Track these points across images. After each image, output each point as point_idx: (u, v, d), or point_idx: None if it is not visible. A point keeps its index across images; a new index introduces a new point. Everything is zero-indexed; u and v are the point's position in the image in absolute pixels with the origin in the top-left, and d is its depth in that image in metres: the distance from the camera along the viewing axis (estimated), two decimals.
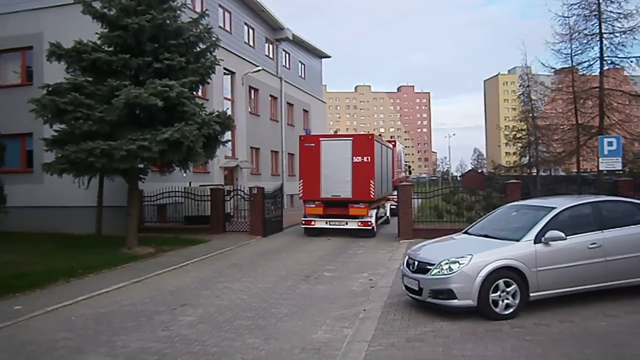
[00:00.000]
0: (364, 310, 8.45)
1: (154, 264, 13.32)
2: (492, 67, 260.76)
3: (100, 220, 17.57)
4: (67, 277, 11.33)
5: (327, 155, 18.58)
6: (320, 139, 19.14)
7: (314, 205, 18.78)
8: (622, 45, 25.27)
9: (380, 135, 23.46)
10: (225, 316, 8.34)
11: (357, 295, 9.67)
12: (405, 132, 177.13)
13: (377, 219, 19.84)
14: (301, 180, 19.10)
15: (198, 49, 15.80)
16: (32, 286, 10.38)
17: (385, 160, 22.03)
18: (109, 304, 9.26)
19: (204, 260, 14.15)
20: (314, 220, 18.95)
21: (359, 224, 18.46)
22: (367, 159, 18.28)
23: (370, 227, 18.53)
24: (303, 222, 19.24)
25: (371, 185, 18.13)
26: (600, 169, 17.10)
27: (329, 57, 45.31)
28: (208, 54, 15.92)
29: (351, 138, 18.87)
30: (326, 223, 18.84)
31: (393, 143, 26.16)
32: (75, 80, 14.33)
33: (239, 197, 20.62)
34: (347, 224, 18.66)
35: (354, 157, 18.32)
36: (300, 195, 19.18)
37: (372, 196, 18.24)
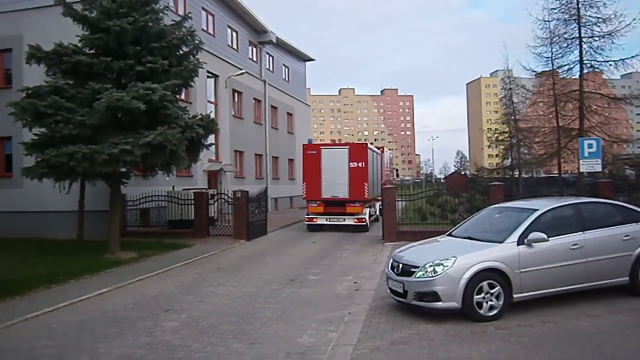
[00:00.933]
0: (349, 313, 8.44)
1: (136, 269, 13.19)
2: (475, 70, 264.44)
3: (82, 225, 17.36)
4: (48, 283, 11.15)
5: (327, 161, 21.31)
6: (321, 147, 22.16)
7: (316, 205, 21.45)
8: (601, 49, 25.56)
9: (371, 143, 25.90)
10: (210, 321, 8.28)
11: (342, 299, 9.66)
12: (389, 134, 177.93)
13: (369, 216, 22.08)
14: (304, 183, 21.66)
15: (181, 52, 15.72)
16: (12, 293, 10.20)
17: (376, 165, 24.63)
18: (91, 310, 9.14)
19: (188, 264, 14.06)
20: (316, 218, 21.54)
21: (355, 220, 21.02)
22: (362, 164, 21.05)
23: (365, 223, 21.08)
24: (306, 219, 21.83)
25: (365, 187, 20.80)
26: (581, 170, 17.30)
27: (313, 60, 45.37)
28: (191, 56, 15.84)
29: (348, 146, 22.00)
30: (326, 220, 21.46)
31: (382, 149, 28.46)
32: (56, 83, 14.12)
33: (223, 200, 20.55)
34: (344, 220, 21.17)
35: (351, 163, 21.12)
36: (304, 196, 21.72)
37: (366, 196, 20.92)
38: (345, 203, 21.05)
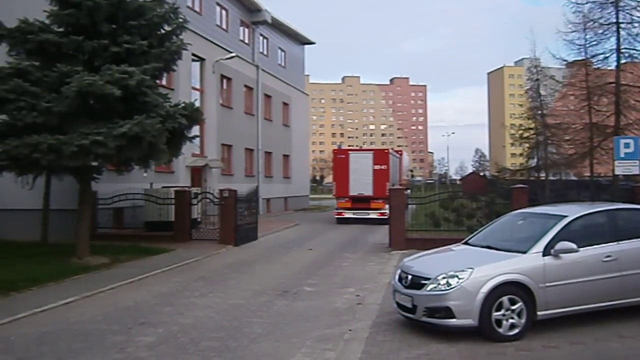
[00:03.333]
0: (350, 330, 8.43)
1: (108, 276, 13.16)
2: (497, 58, 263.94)
3: (47, 225, 17.35)
4: (6, 291, 11.11)
5: (354, 164, 27.79)
6: (349, 151, 29.71)
7: (344, 201, 28.04)
8: None
9: (392, 149, 33.85)
10: (190, 336, 8.26)
11: (341, 313, 9.65)
12: (398, 129, 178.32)
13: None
14: (334, 182, 28.85)
15: (162, 32, 15.68)
16: None
17: (396, 167, 31.69)
18: (54, 322, 9.12)
19: (167, 272, 14.05)
20: (344, 212, 27.95)
21: (378, 214, 26.53)
22: (384, 167, 27.57)
23: (386, 217, 22.54)
24: (336, 213, 28.46)
25: (387, 186, 25.24)
26: (616, 173, 17.35)
27: (313, 43, 45.46)
28: (174, 37, 15.81)
29: (372, 151, 29.34)
30: (353, 214, 27.66)
31: (400, 153, 36.53)
32: (19, 64, 14.07)
33: (208, 200, 20.55)
34: (369, 214, 27.29)
35: (374, 166, 27.54)
36: (334, 193, 28.84)
37: (387, 194, 22.80)
38: (370, 200, 27.28)
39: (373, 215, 26.92)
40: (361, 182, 27.22)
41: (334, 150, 31.16)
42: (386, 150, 29.46)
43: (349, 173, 27.64)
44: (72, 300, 10.60)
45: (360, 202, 27.54)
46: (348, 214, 27.73)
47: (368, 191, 27.26)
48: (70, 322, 9.16)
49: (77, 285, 12.06)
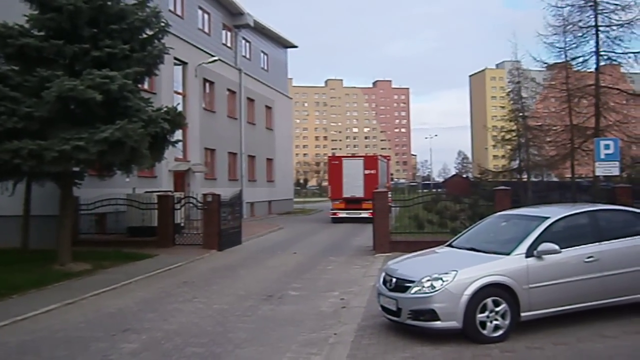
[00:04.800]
0: (335, 334, 8.43)
1: (91, 282, 13.05)
2: (479, 61, 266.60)
3: (28, 231, 17.13)
4: None
5: (347, 169, 31.00)
6: (343, 158, 33.32)
7: (338, 202, 31.15)
8: (620, 39, 26.00)
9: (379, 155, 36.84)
10: (174, 343, 8.21)
11: (326, 317, 9.65)
12: (381, 132, 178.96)
13: None
14: (329, 186, 32.58)
15: (144, 36, 15.61)
16: None
17: (384, 171, 34.89)
18: (36, 330, 9.02)
19: (150, 277, 13.99)
20: (338, 212, 31.05)
21: (369, 214, 25.79)
22: (373, 171, 30.73)
23: None
24: (331, 214, 31.72)
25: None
26: (597, 174, 17.54)
27: (296, 47, 45.50)
28: (156, 41, 15.73)
29: (363, 158, 33.00)
30: (347, 214, 30.71)
31: (388, 157, 40.02)
32: None
33: (191, 205, 20.46)
34: (361, 214, 29.58)
35: (365, 170, 30.66)
36: (329, 196, 32.43)
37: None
38: (361, 201, 29.68)
39: (364, 214, 28.64)
40: (353, 185, 30.19)
41: (329, 157, 36.26)
42: (375, 157, 33.41)
43: (342, 177, 30.94)
44: (54, 308, 10.49)
45: (353, 203, 30.42)
46: (342, 214, 30.85)
47: (359, 193, 29.78)
48: (53, 329, 9.06)
49: (59, 292, 11.94)
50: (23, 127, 13.37)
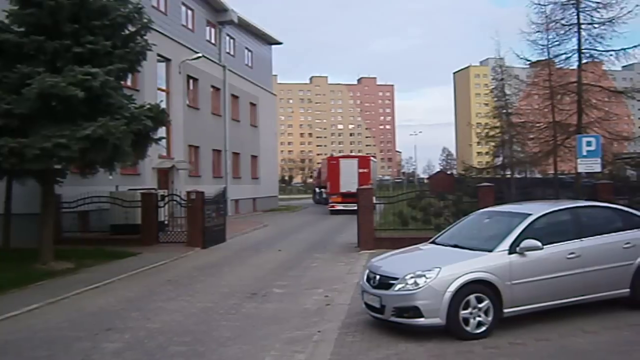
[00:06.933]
0: (319, 331, 8.44)
1: (73, 281, 12.97)
2: (463, 58, 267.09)
3: (8, 230, 16.96)
4: None
5: (343, 167, 35.73)
6: (340, 158, 38.83)
7: (336, 196, 35.61)
8: (601, 37, 26.12)
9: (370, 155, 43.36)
10: (158, 341, 8.18)
11: (310, 315, 9.66)
12: (366, 128, 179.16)
13: None
14: (328, 182, 36.79)
15: (127, 32, 15.50)
16: None
17: (374, 169, 40.19)
18: (17, 330, 8.95)
19: (133, 276, 13.92)
20: (336, 205, 35.25)
21: None
22: (366, 170, 35.48)
23: None
24: (329, 206, 36.14)
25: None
26: (579, 171, 17.66)
27: (281, 43, 45.42)
28: (138, 37, 15.64)
29: (357, 158, 39.00)
30: (343, 206, 34.10)
31: (374, 157, 45.91)
32: None
33: (175, 202, 20.36)
34: (355, 206, 31.43)
35: (359, 169, 35.34)
36: (328, 191, 37.25)
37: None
38: (355, 195, 29.50)
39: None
40: (349, 181, 33.89)
41: (328, 157, 42.90)
42: (368, 157, 40.20)
43: (339, 175, 35.42)
44: (35, 307, 10.40)
45: (349, 197, 32.48)
46: (339, 207, 34.91)
47: (354, 189, 31.71)
48: (34, 329, 8.99)
49: (41, 291, 11.85)
50: (3, 125, 13.27)
